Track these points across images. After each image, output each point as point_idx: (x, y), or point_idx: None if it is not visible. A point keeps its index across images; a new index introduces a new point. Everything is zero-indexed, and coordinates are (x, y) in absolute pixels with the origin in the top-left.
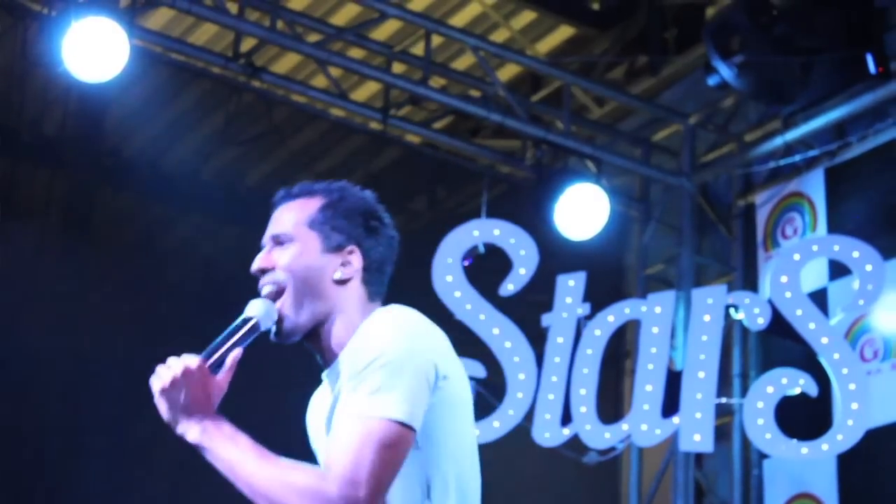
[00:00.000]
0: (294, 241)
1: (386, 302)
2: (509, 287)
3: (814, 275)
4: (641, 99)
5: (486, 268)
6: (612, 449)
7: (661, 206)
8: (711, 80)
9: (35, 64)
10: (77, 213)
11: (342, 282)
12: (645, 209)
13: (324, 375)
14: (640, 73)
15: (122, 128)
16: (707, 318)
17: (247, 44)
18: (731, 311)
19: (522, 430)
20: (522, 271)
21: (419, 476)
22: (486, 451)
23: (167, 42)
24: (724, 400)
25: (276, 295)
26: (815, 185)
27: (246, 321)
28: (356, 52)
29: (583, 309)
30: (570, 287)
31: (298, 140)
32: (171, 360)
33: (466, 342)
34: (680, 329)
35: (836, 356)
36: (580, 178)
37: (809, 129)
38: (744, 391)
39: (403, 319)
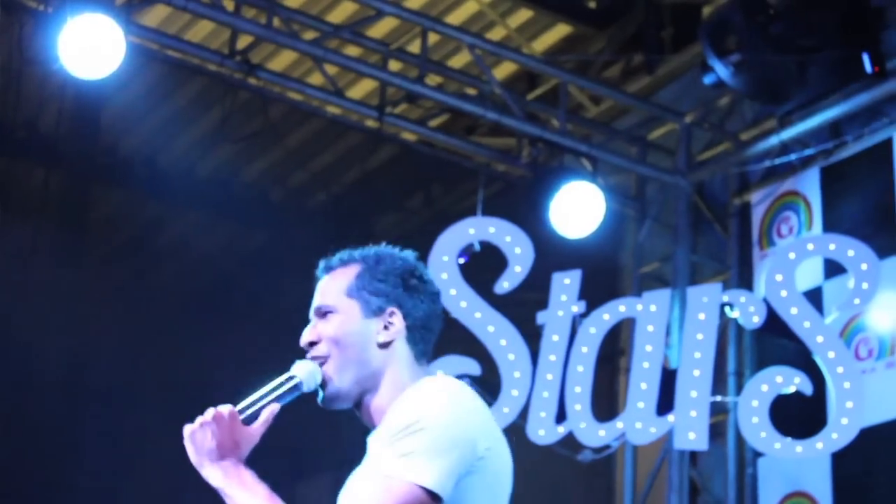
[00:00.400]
0: (335, 312)
1: None
2: (504, 285)
3: (809, 273)
4: (637, 97)
5: (481, 265)
6: (607, 447)
7: (657, 205)
8: (707, 79)
9: (31, 61)
10: (73, 211)
11: (386, 344)
12: (640, 207)
13: (368, 439)
14: (637, 72)
15: (118, 125)
16: (702, 316)
17: (243, 41)
18: (727, 309)
19: (517, 428)
20: (518, 269)
21: None
22: None
23: (163, 39)
24: (718, 398)
25: (322, 361)
26: (810, 184)
27: (289, 379)
28: (352, 50)
29: (578, 307)
30: (566, 285)
31: (294, 137)
32: (209, 409)
33: (461, 340)
34: (675, 327)
35: (831, 355)
36: (576, 177)
37: (805, 128)
38: (738, 389)
39: (448, 391)
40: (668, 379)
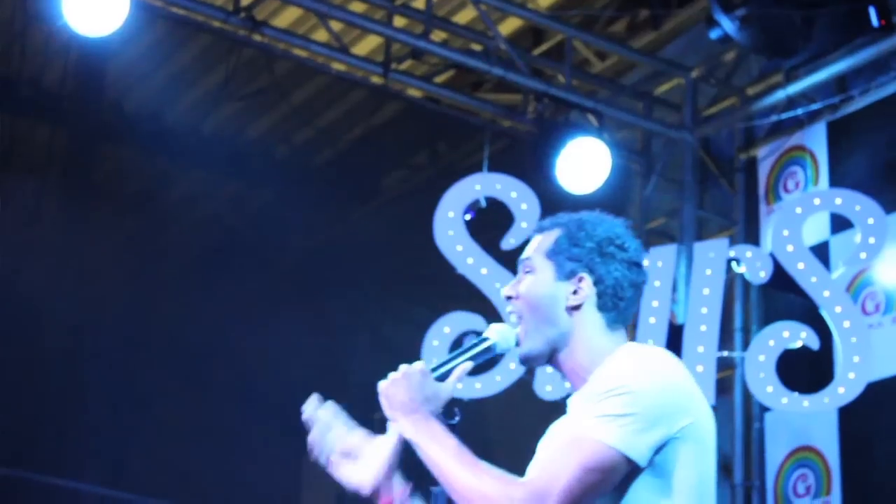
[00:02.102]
0: (533, 272)
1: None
2: (511, 241)
3: (816, 228)
4: (643, 53)
5: (487, 222)
6: None
7: (663, 160)
8: (713, 34)
9: (35, 18)
10: (77, 168)
11: (573, 308)
12: (646, 163)
13: (568, 401)
14: (642, 27)
15: (123, 82)
16: (709, 271)
17: None
18: (733, 264)
19: (524, 384)
20: (524, 225)
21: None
22: (487, 404)
23: None
24: (725, 353)
25: (518, 321)
26: (817, 139)
27: (483, 340)
28: (357, 6)
29: None
30: None
31: (299, 95)
32: (405, 367)
33: (468, 296)
34: (681, 283)
35: (838, 309)
36: (582, 132)
37: (811, 83)
38: (745, 344)
39: (655, 357)
40: (675, 334)
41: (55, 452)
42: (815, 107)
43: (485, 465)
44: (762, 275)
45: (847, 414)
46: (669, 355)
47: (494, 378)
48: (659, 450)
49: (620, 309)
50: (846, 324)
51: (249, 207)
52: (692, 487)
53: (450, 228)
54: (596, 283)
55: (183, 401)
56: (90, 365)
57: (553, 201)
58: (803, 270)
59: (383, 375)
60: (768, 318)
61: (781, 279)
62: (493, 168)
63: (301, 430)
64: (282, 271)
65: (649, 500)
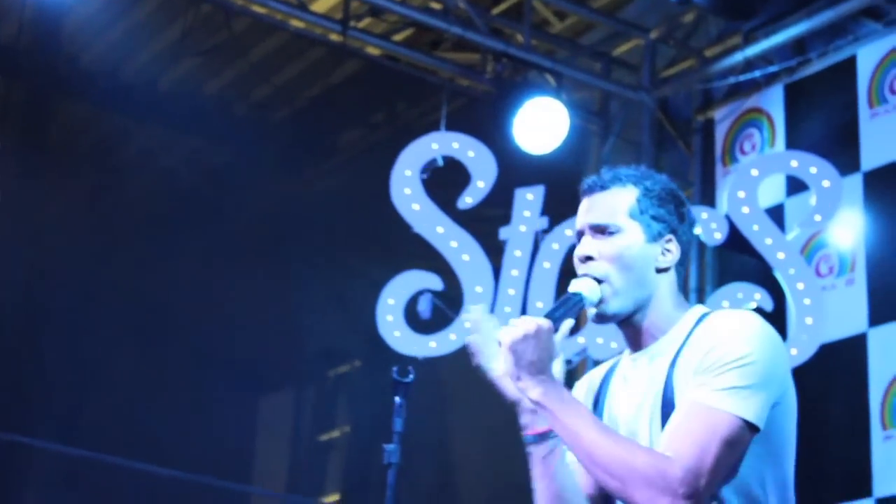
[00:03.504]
0: (619, 232)
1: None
2: (467, 200)
3: (771, 190)
4: (602, 13)
5: (444, 180)
6: (569, 362)
7: (621, 121)
8: None
9: None
10: (33, 123)
11: (663, 270)
12: (604, 123)
13: (630, 357)
14: None
15: (80, 36)
16: None
17: None
18: None
19: None
20: (481, 184)
21: (756, 473)
22: (442, 363)
23: None
24: None
25: (599, 280)
26: (774, 101)
27: (577, 296)
28: None
29: (541, 222)
30: (529, 200)
31: (257, 51)
32: (525, 319)
33: (424, 255)
34: None
35: (792, 271)
36: (540, 92)
37: (769, 45)
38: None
39: (766, 327)
40: None
41: (7, 408)
42: (772, 69)
43: (627, 439)
44: (717, 236)
45: (799, 375)
46: (764, 319)
47: (449, 337)
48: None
49: (685, 268)
50: (800, 286)
51: (207, 164)
52: (789, 452)
53: (406, 187)
54: (679, 244)
55: (138, 356)
56: (44, 320)
57: (510, 161)
58: (758, 232)
59: (338, 333)
60: (723, 279)
61: (736, 240)
62: (451, 127)
63: (257, 386)
64: (239, 227)
65: (756, 466)
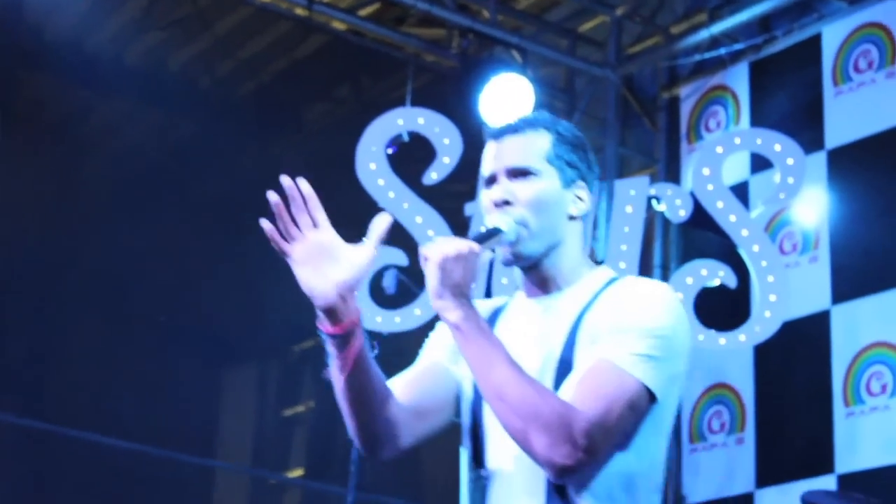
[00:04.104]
0: (537, 176)
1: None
2: (433, 176)
3: (736, 168)
4: None
5: (409, 156)
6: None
7: (586, 98)
8: None
9: None
10: None
11: (574, 218)
12: (570, 100)
13: (527, 300)
14: None
15: (43, 8)
16: (629, 209)
17: None
18: (654, 202)
19: None
20: (446, 160)
21: (638, 444)
22: (407, 338)
23: None
24: None
25: (518, 225)
26: (739, 79)
27: (497, 230)
28: None
29: None
30: None
31: (223, 25)
32: (452, 239)
33: (389, 230)
34: (602, 220)
35: (756, 248)
36: (506, 68)
37: (735, 23)
38: (664, 282)
39: (679, 303)
40: None
41: None
42: (737, 47)
43: (538, 381)
44: (682, 213)
45: (762, 352)
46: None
47: (414, 312)
48: None
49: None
50: (764, 263)
51: (171, 138)
52: (668, 430)
53: (372, 162)
54: (589, 193)
55: (102, 330)
56: (6, 296)
57: (476, 137)
58: (722, 209)
59: (302, 308)
60: (687, 256)
61: (701, 218)
62: (417, 103)
63: (221, 360)
64: (203, 201)
65: (646, 437)
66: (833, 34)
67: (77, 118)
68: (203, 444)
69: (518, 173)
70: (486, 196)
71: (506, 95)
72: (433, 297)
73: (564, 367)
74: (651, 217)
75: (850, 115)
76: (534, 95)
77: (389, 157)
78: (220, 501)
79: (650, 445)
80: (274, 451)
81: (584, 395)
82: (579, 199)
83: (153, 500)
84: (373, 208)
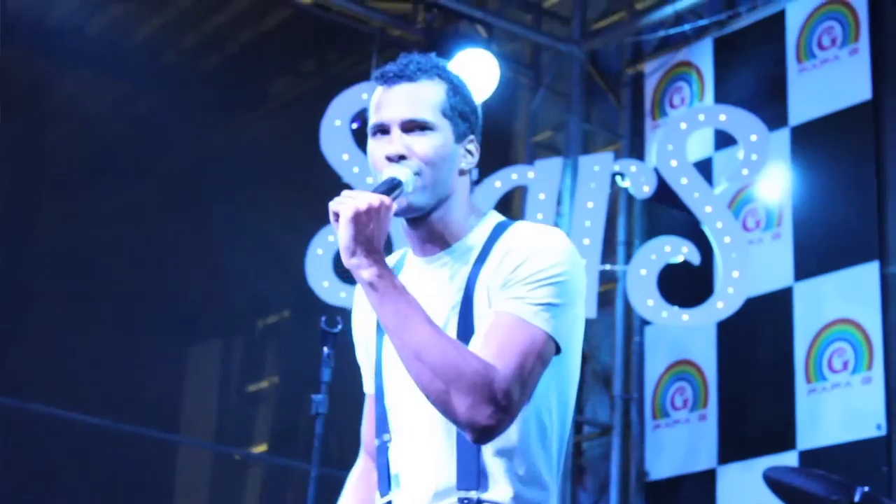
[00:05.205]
0: (434, 130)
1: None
2: None
3: (700, 144)
4: None
5: None
6: None
7: (551, 73)
8: None
9: None
10: None
11: (463, 172)
12: (534, 76)
13: (418, 259)
14: None
15: None
16: (593, 185)
17: None
18: (618, 178)
19: None
20: None
21: (545, 393)
22: None
23: None
24: (607, 267)
25: (416, 177)
26: (703, 55)
27: (396, 181)
28: None
29: None
30: None
31: None
32: (362, 192)
33: None
34: (566, 196)
35: (719, 225)
36: (470, 43)
37: None
38: (628, 258)
39: (570, 244)
40: None
41: None
42: (702, 23)
43: (456, 340)
44: (646, 189)
45: (725, 329)
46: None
47: None
48: None
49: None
50: (727, 239)
51: (134, 111)
52: (574, 376)
53: (336, 136)
54: (477, 147)
55: (65, 305)
56: None
57: None
58: (686, 186)
59: (266, 284)
60: (651, 233)
61: (665, 194)
62: None
63: (185, 336)
64: (167, 176)
65: (546, 386)
66: (797, 11)
67: (40, 90)
68: (166, 419)
69: (415, 126)
70: (377, 148)
71: (471, 70)
72: (345, 255)
73: (465, 326)
74: (615, 193)
75: (813, 92)
76: (498, 71)
77: (353, 132)
78: (183, 477)
79: (559, 393)
80: (238, 427)
81: (494, 351)
82: (469, 153)
83: (116, 475)
84: (337, 183)
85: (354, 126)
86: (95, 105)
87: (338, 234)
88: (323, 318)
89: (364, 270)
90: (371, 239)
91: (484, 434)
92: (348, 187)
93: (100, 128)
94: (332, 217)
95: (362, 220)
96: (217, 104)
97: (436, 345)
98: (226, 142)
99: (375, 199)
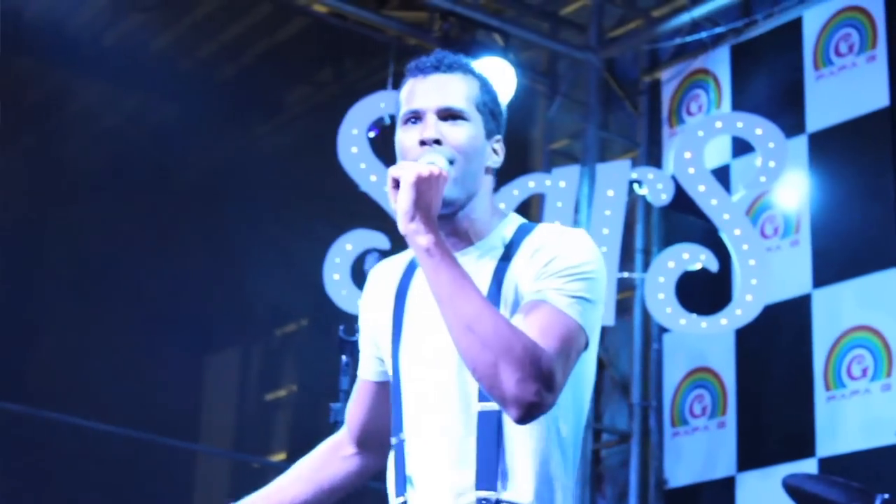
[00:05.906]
0: (469, 121)
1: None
2: None
3: (717, 151)
4: None
5: (391, 139)
6: None
7: (568, 81)
8: None
9: None
10: None
11: (489, 170)
12: (551, 84)
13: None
14: None
15: None
16: (611, 193)
17: None
18: (635, 186)
19: None
20: None
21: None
22: None
23: None
24: (625, 274)
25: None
26: (720, 62)
27: (431, 164)
28: None
29: None
30: None
31: (203, 7)
32: (420, 163)
33: (371, 214)
34: (584, 204)
35: (737, 232)
36: (487, 52)
37: (716, 6)
38: (646, 266)
39: (594, 242)
40: None
41: None
42: (718, 30)
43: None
44: (663, 197)
45: (744, 336)
46: None
47: None
48: None
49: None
50: (745, 246)
51: (151, 121)
52: (591, 376)
53: (353, 146)
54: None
55: (83, 314)
56: None
57: None
58: (704, 193)
59: (284, 292)
60: (669, 240)
61: (682, 201)
62: (398, 86)
63: (203, 344)
64: (184, 185)
65: (576, 387)
66: (814, 18)
67: (57, 101)
68: (185, 428)
69: (450, 115)
70: (410, 135)
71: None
72: (404, 220)
73: None
74: (633, 201)
75: (830, 99)
76: (515, 79)
77: (371, 140)
78: (202, 485)
79: (575, 395)
80: (256, 435)
81: (536, 333)
82: (495, 152)
83: (135, 483)
84: (354, 192)
85: (372, 135)
86: (112, 115)
87: (397, 200)
88: (341, 327)
89: (421, 236)
90: (430, 206)
91: (530, 411)
92: (365, 196)
93: (116, 138)
94: (390, 184)
95: (423, 187)
96: (234, 114)
97: (489, 316)
98: (243, 151)
99: (436, 168)
